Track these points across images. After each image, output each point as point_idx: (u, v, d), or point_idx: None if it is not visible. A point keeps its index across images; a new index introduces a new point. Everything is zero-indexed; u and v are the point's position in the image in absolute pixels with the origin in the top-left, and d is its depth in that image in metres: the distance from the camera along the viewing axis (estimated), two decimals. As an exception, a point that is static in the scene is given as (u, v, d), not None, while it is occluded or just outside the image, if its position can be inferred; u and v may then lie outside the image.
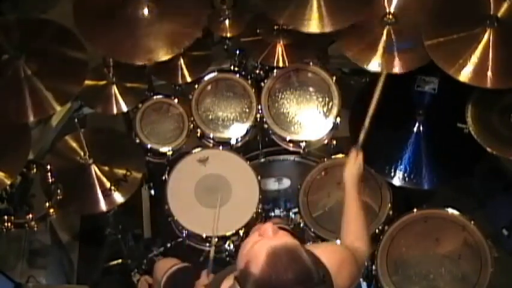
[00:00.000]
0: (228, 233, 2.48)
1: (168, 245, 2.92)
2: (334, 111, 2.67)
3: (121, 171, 2.47)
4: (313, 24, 2.29)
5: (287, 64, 2.63)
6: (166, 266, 2.24)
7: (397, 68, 2.32)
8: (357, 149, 2.17)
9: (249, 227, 2.50)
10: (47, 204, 2.25)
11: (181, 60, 2.75)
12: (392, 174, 2.45)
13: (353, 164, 2.12)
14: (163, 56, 2.30)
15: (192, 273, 2.28)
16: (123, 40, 2.32)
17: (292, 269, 1.34)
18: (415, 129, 2.49)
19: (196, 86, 2.76)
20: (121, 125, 2.95)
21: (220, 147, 2.71)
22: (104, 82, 2.63)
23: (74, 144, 2.50)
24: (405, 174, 2.44)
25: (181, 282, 2.26)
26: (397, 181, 2.44)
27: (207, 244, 2.54)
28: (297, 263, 1.35)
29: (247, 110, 2.75)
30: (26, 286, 2.41)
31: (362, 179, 2.12)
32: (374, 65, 2.33)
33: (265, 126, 2.70)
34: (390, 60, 2.34)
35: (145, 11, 2.35)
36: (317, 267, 1.42)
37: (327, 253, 1.61)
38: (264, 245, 1.37)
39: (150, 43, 2.31)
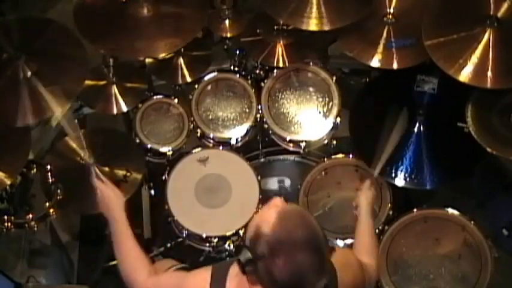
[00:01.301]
0: (228, 233, 2.48)
1: (168, 245, 2.91)
2: (334, 111, 2.67)
3: (121, 172, 2.47)
4: (313, 22, 2.31)
5: (287, 64, 2.62)
6: (164, 267, 2.23)
7: (395, 64, 2.36)
8: (372, 178, 2.25)
9: (248, 227, 2.50)
10: (47, 204, 2.25)
11: (181, 60, 2.75)
12: (394, 174, 2.45)
13: (368, 191, 2.21)
14: (162, 53, 2.32)
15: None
16: (123, 38, 2.33)
17: (303, 228, 1.41)
18: (415, 129, 2.49)
19: (196, 86, 2.76)
20: (121, 125, 2.95)
21: (220, 147, 2.71)
22: (104, 82, 2.62)
23: (74, 145, 2.49)
24: (407, 175, 2.44)
25: None
26: (399, 182, 2.44)
27: (207, 244, 2.54)
28: (307, 223, 1.44)
29: (247, 110, 2.75)
30: (26, 286, 2.40)
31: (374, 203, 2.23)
32: (375, 62, 2.39)
33: (265, 126, 2.70)
34: (389, 57, 2.37)
35: (145, 11, 2.36)
36: (322, 230, 1.49)
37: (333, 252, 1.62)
38: (274, 209, 1.44)
39: (150, 41, 2.33)
